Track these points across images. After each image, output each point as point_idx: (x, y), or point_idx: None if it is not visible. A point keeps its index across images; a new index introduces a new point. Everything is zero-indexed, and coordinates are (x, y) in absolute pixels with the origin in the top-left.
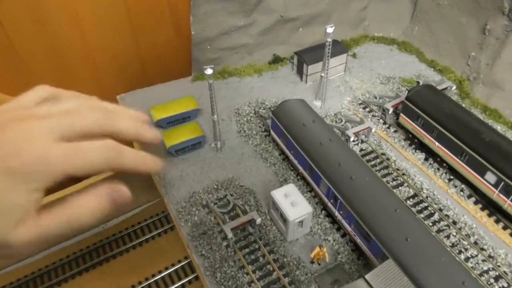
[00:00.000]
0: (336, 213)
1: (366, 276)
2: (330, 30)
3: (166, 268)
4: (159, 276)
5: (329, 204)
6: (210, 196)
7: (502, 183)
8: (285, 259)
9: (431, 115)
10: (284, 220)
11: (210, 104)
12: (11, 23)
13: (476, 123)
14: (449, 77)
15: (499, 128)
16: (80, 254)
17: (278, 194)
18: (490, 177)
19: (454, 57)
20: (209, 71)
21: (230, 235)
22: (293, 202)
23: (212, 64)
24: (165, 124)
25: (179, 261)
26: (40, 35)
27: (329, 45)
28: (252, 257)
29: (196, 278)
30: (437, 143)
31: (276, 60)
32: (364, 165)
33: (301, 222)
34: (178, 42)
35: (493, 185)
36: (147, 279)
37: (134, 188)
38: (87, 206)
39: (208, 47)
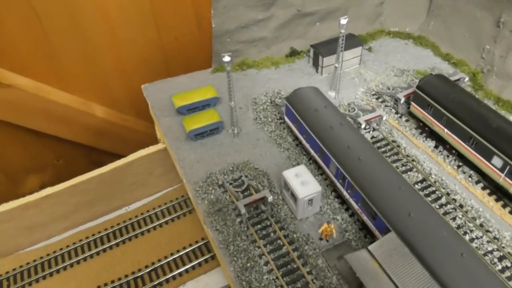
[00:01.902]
0: (344, 193)
1: (369, 247)
2: (343, 21)
3: (184, 248)
4: (178, 255)
5: (338, 184)
6: (226, 177)
7: (508, 167)
8: (294, 235)
9: (440, 102)
10: (295, 198)
11: (228, 91)
12: (47, 16)
13: (484, 110)
14: (464, 70)
15: (511, 118)
16: (105, 233)
17: (290, 174)
18: (497, 161)
19: (468, 50)
20: (227, 58)
21: (243, 210)
22: (303, 181)
23: (231, 54)
24: (185, 111)
25: (196, 242)
26: (71, 27)
27: (343, 36)
28: (264, 232)
29: (212, 257)
30: (446, 130)
31: (293, 53)
32: (372, 147)
33: (310, 200)
34: (199, 35)
35: (499, 169)
36: (166, 257)
37: (156, 174)
38: None
39: (228, 40)
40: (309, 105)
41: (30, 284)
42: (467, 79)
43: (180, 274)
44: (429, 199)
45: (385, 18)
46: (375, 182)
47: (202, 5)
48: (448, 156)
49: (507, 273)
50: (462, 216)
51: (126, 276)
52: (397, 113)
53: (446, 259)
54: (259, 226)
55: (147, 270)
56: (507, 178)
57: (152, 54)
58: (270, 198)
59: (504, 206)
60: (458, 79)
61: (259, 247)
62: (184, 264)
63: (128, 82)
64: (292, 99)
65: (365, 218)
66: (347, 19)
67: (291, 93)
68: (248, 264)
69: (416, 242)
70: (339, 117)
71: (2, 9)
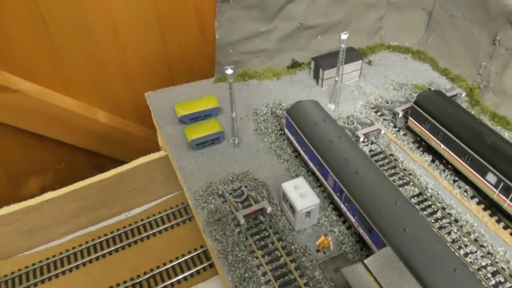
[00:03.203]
0: (342, 205)
1: (365, 261)
2: (344, 36)
3: (183, 255)
4: (176, 262)
5: (336, 197)
6: (226, 187)
7: (502, 183)
8: (292, 247)
9: (437, 118)
10: (293, 210)
11: (230, 102)
12: (54, 22)
13: (479, 126)
14: (461, 85)
15: (506, 134)
16: (104, 239)
17: (288, 186)
18: (491, 177)
19: (466, 66)
20: (229, 71)
21: (242, 221)
22: (301, 193)
23: (234, 66)
24: (187, 120)
25: (195, 249)
26: (78, 33)
27: (343, 51)
28: (262, 243)
29: (211, 265)
30: (442, 145)
31: (295, 65)
32: (369, 161)
33: (308, 212)
34: (202, 45)
35: (493, 185)
36: (164, 264)
37: (156, 180)
38: None
39: (231, 50)
40: (309, 118)
41: None
42: (464, 94)
43: (178, 281)
44: (425, 213)
45: (385, 32)
46: (372, 196)
47: (205, 14)
48: (444, 171)
49: None
50: (457, 230)
51: (125, 282)
52: (395, 127)
53: (440, 274)
54: (257, 236)
55: (146, 277)
56: (501, 195)
57: (156, 61)
58: (269, 209)
59: (498, 222)
60: (455, 95)
61: (257, 258)
62: (182, 272)
63: (132, 88)
64: (292, 112)
65: (361, 231)
66: (347, 35)
67: (291, 105)
68: (246, 275)
69: (411, 257)
70: (338, 130)
71: (10, 15)
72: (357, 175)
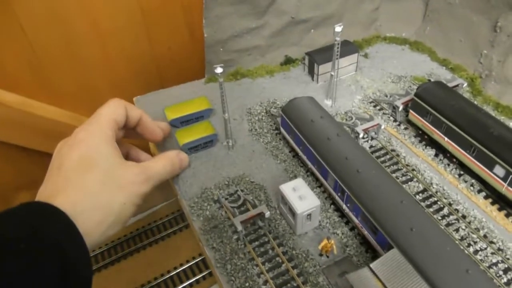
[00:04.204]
0: (344, 206)
1: (371, 265)
2: (338, 29)
3: (181, 265)
4: (174, 272)
5: (337, 198)
6: (222, 192)
7: (511, 176)
8: (294, 252)
9: (439, 110)
10: (293, 213)
11: (221, 103)
12: (32, 27)
13: (485, 117)
14: (461, 75)
15: (511, 124)
16: (99, 252)
17: (287, 188)
18: (499, 170)
19: (466, 55)
20: (219, 70)
21: (239, 227)
22: (301, 195)
23: (225, 65)
24: (178, 123)
25: (194, 258)
26: (59, 41)
27: (338, 44)
28: (262, 249)
29: (210, 274)
30: (446, 138)
31: (288, 61)
32: (371, 158)
33: (309, 215)
34: (192, 45)
35: (502, 179)
36: (162, 275)
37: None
38: (164, 164)
39: (221, 49)
40: (305, 116)
41: None
42: (465, 84)
43: None
44: (431, 210)
45: (381, 24)
46: (375, 196)
47: (194, 14)
48: (448, 165)
49: None
50: (465, 227)
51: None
52: (395, 121)
53: (452, 276)
54: (256, 243)
55: None
56: (510, 188)
57: (144, 66)
58: (267, 214)
59: (507, 216)
60: (456, 85)
61: (257, 265)
62: (181, 282)
63: (120, 94)
64: (288, 110)
65: (366, 232)
66: (342, 27)
67: (286, 103)
68: (247, 284)
69: (420, 259)
70: (336, 127)
71: None
72: (359, 174)
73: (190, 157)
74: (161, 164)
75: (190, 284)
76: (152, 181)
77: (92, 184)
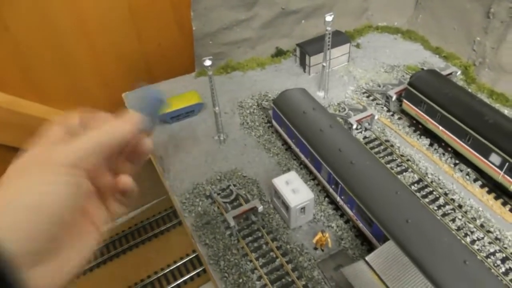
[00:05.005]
0: (338, 199)
1: (367, 258)
2: (329, 18)
3: (175, 262)
4: (168, 270)
5: (331, 190)
6: (214, 187)
7: (507, 164)
8: (288, 246)
9: (433, 99)
10: (286, 207)
11: (211, 96)
12: (18, 26)
13: (479, 105)
14: (455, 63)
15: (506, 111)
16: None
17: (280, 182)
18: (495, 158)
19: (459, 43)
20: (208, 62)
21: (232, 223)
22: (294, 189)
23: (215, 59)
24: (168, 118)
25: (187, 255)
26: (46, 38)
27: (330, 34)
28: (255, 244)
29: (204, 271)
30: (440, 127)
31: (279, 53)
32: (365, 149)
33: (303, 208)
34: (181, 40)
35: (498, 167)
36: (156, 273)
37: (142, 185)
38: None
39: (210, 42)
40: (297, 108)
41: None
42: (459, 72)
43: None
44: (427, 200)
45: (372, 13)
46: (370, 187)
47: (182, 9)
48: (444, 154)
49: (511, 276)
50: (462, 217)
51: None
52: (389, 111)
53: (449, 267)
54: (250, 238)
55: None
56: (506, 176)
57: (134, 62)
58: (260, 208)
59: (504, 204)
60: (450, 73)
61: (251, 261)
62: (175, 279)
63: (109, 92)
64: (279, 102)
65: (361, 225)
66: (332, 16)
67: (277, 95)
68: (240, 280)
69: (416, 251)
70: (329, 118)
71: None
72: (353, 166)
73: (181, 153)
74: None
75: (184, 282)
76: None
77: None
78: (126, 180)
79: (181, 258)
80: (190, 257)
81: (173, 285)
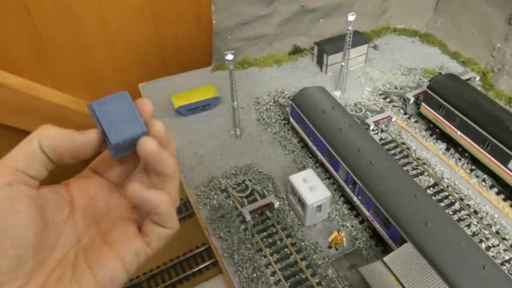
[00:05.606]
0: (355, 198)
1: (385, 259)
2: (351, 18)
3: (184, 254)
4: (177, 261)
5: (348, 190)
6: (229, 181)
7: None
8: (302, 244)
9: (453, 103)
10: (302, 204)
11: (230, 90)
12: (38, 11)
13: (500, 112)
14: (473, 69)
15: None
16: None
17: (297, 179)
18: None
19: (478, 48)
20: (229, 57)
21: (248, 217)
22: (311, 186)
23: (233, 52)
24: (185, 111)
25: (197, 247)
26: (64, 24)
27: (350, 33)
28: (270, 240)
29: (214, 264)
30: (459, 132)
31: (296, 51)
32: (384, 151)
33: (319, 206)
34: (198, 32)
35: None
36: (165, 264)
37: None
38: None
39: (229, 36)
40: (316, 106)
41: None
42: (478, 78)
43: (180, 281)
44: (442, 204)
45: (391, 15)
46: (388, 188)
47: (201, 2)
48: (460, 159)
49: None
50: (477, 222)
51: (124, 284)
52: (405, 113)
53: (468, 272)
54: (264, 233)
55: (146, 277)
56: None
57: (149, 51)
58: (276, 204)
59: None
60: (469, 79)
61: (265, 256)
62: (184, 271)
63: (123, 80)
64: (298, 99)
65: (377, 226)
66: (354, 16)
67: (297, 93)
68: (254, 275)
69: (435, 254)
70: (348, 118)
71: None
72: (372, 166)
73: (196, 145)
74: None
75: (193, 274)
76: None
77: None
78: (130, 188)
79: (191, 251)
80: (200, 249)
81: (181, 277)
